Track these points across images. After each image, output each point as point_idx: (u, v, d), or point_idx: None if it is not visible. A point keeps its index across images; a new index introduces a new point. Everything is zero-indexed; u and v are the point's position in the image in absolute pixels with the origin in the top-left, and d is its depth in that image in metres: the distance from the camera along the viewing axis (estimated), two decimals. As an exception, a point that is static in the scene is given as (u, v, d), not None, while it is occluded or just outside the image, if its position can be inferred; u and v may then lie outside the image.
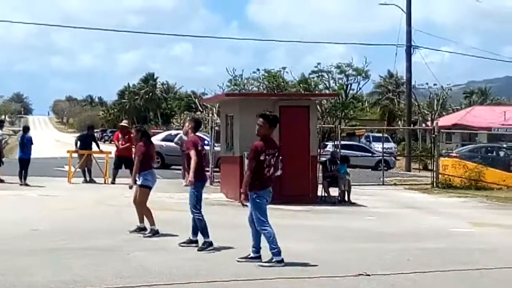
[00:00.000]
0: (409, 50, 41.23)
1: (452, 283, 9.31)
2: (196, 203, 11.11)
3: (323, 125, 42.88)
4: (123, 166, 22.94)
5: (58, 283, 8.45)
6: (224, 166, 21.71)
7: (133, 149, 12.85)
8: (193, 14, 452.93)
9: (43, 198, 18.93)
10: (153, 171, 12.74)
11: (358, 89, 61.15)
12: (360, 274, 9.27)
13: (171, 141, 31.80)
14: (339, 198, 20.40)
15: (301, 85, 57.95)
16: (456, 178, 26.51)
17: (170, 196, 18.55)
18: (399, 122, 63.79)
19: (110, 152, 24.98)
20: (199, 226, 11.09)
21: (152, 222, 12.36)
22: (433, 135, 28.06)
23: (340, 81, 59.81)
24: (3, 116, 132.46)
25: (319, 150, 24.59)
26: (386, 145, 42.53)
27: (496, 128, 49.10)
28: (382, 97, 76.53)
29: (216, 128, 26.42)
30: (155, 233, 12.22)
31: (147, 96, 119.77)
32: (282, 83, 55.85)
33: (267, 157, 9.73)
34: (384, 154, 35.46)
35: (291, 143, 18.76)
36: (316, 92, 53.08)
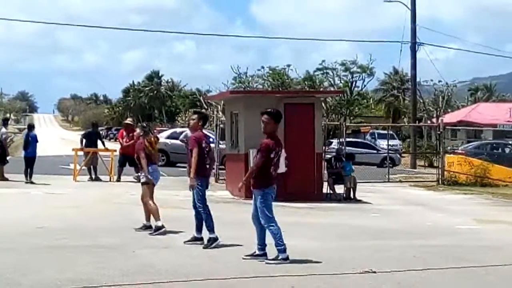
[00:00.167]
0: (414, 47, 41.16)
1: (457, 280, 9.30)
2: (202, 199, 11.10)
3: (328, 122, 42.88)
4: (127, 164, 22.96)
5: (63, 280, 8.46)
6: (229, 163, 21.72)
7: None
8: (197, 12, 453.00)
9: (49, 196, 18.96)
10: (156, 167, 12.73)
11: (363, 86, 61.25)
12: (366, 271, 9.27)
13: (176, 138, 31.87)
14: (344, 195, 20.39)
15: (306, 82, 58.03)
16: (462, 175, 26.47)
17: (175, 193, 18.57)
18: (404, 119, 63.71)
19: (115, 150, 25.01)
20: (206, 221, 11.08)
21: (157, 218, 12.31)
22: (439, 132, 28.01)
23: (345, 78, 59.88)
24: (8, 115, 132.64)
25: (324, 148, 24.55)
26: (391, 142, 42.42)
27: (502, 124, 49.02)
28: (387, 94, 76.43)
29: (221, 125, 26.44)
30: (160, 228, 12.18)
31: (151, 94, 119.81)
32: (286, 81, 55.92)
33: (276, 155, 9.76)
34: (389, 151, 35.39)
35: (296, 140, 18.76)
36: (321, 89, 53.14)
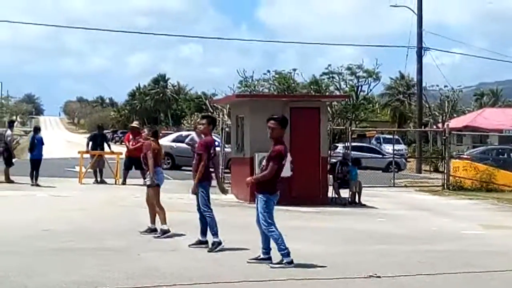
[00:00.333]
0: (420, 52, 41.15)
1: (462, 286, 9.29)
2: (207, 203, 11.13)
3: (334, 127, 42.88)
4: (133, 167, 22.98)
5: (69, 283, 8.48)
6: (235, 167, 21.72)
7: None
8: (203, 16, 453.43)
9: (54, 198, 18.99)
10: (160, 169, 12.76)
11: (369, 90, 61.20)
12: (370, 276, 9.26)
13: (182, 142, 31.81)
14: (349, 199, 20.38)
15: (311, 86, 58.02)
16: (467, 180, 26.43)
17: (180, 197, 18.57)
18: (410, 124, 63.61)
19: (121, 153, 25.05)
20: (210, 225, 11.10)
21: (163, 221, 12.36)
22: (444, 137, 27.97)
23: (350, 82, 59.85)
24: (14, 117, 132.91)
25: (329, 152, 24.54)
26: (397, 146, 42.34)
27: (507, 130, 48.93)
28: (392, 98, 76.36)
29: (227, 129, 26.44)
30: (164, 232, 12.23)
31: (157, 97, 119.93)
32: (292, 85, 55.91)
33: (285, 161, 9.79)
34: (395, 156, 35.34)
35: (302, 144, 18.77)
36: (327, 93, 53.12)
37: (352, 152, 27.62)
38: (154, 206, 12.55)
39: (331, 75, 59.71)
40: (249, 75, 55.67)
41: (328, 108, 35.11)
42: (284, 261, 9.70)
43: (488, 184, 26.07)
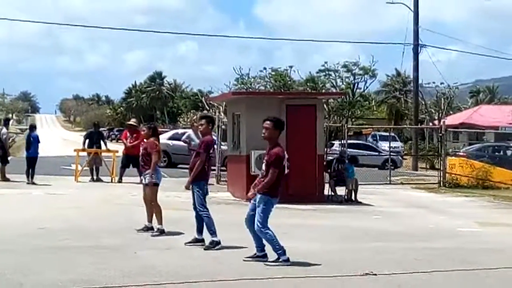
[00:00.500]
0: (416, 49, 41.17)
1: (458, 283, 9.30)
2: (203, 202, 11.14)
3: (330, 124, 42.88)
4: (131, 165, 22.94)
5: (65, 281, 8.47)
6: (231, 165, 21.71)
7: (141, 147, 12.86)
8: (199, 14, 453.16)
9: (50, 196, 18.97)
10: (157, 168, 12.75)
11: (365, 88, 61.20)
12: (367, 274, 9.26)
13: (178, 139, 31.80)
14: (345, 197, 20.39)
15: (308, 84, 58.00)
16: (463, 177, 26.45)
17: (177, 195, 18.56)
18: (406, 121, 63.70)
19: (117, 151, 25.02)
20: (208, 225, 11.11)
21: (160, 221, 12.38)
22: (440, 134, 27.99)
23: (347, 80, 59.83)
24: (10, 115, 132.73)
25: (325, 149, 24.55)
26: (393, 144, 42.43)
27: (504, 127, 48.94)
28: (389, 96, 76.41)
29: (223, 127, 26.43)
30: (161, 232, 12.26)
31: (153, 95, 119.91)
32: (289, 82, 55.88)
33: (285, 163, 9.78)
34: (391, 153, 35.38)
35: (298, 142, 18.76)
36: (323, 91, 53.11)
37: (348, 150, 27.62)
38: (152, 205, 12.54)
39: (327, 73, 59.66)
40: (245, 72, 55.68)
41: (325, 106, 35.15)
42: (281, 259, 9.70)
43: (484, 181, 26.10)
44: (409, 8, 41.64)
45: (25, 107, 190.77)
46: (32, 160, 22.48)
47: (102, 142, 24.99)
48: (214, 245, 10.95)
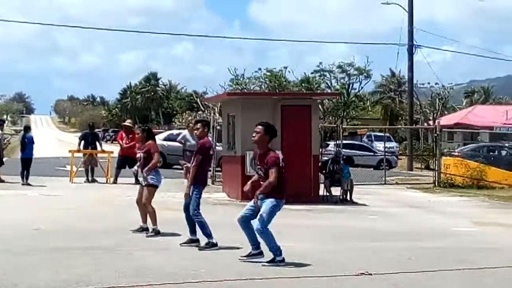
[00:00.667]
0: (411, 49, 41.23)
1: (454, 283, 9.30)
2: (198, 207, 11.13)
3: (325, 125, 42.89)
4: (127, 166, 22.90)
5: (60, 282, 8.46)
6: (226, 165, 21.71)
7: (140, 152, 12.81)
8: (195, 14, 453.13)
9: (45, 197, 18.94)
10: (159, 170, 12.76)
11: (360, 88, 61.25)
12: (362, 273, 9.26)
13: (173, 140, 31.77)
14: (341, 197, 20.41)
15: (303, 84, 58.03)
16: (458, 177, 26.49)
17: (172, 195, 18.54)
18: (401, 122, 63.80)
19: (112, 152, 24.99)
20: (202, 228, 11.08)
21: (154, 222, 12.38)
22: (435, 134, 28.04)
23: (342, 80, 59.87)
24: (4, 116, 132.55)
25: (320, 150, 24.55)
26: (388, 144, 42.51)
27: (498, 127, 49.10)
28: (384, 96, 76.51)
29: (218, 127, 26.42)
30: (157, 233, 12.26)
31: (148, 96, 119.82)
32: (284, 83, 55.90)
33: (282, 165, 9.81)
34: (386, 154, 35.43)
35: (293, 142, 18.77)
36: (318, 91, 53.14)
37: (344, 150, 27.64)
38: (146, 206, 12.52)
39: (322, 73, 59.72)
40: (240, 73, 55.69)
41: (319, 106, 35.14)
42: (276, 259, 9.70)
43: (479, 181, 26.15)
44: (404, 9, 41.74)
45: (19, 108, 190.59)
46: (26, 161, 22.44)
47: (97, 143, 24.94)
48: (210, 246, 10.94)
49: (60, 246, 11.06)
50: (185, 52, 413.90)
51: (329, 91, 56.46)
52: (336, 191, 20.51)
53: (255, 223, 9.69)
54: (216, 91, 51.59)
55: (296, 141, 19.07)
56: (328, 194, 20.46)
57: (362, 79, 59.84)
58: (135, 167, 13.09)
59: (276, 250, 9.68)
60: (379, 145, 45.79)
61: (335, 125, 41.12)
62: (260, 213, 9.65)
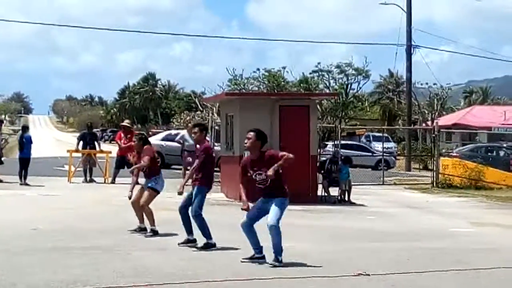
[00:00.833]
0: (409, 49, 41.23)
1: (451, 283, 9.31)
2: (200, 208, 11.11)
3: (324, 125, 42.88)
4: (125, 166, 22.88)
5: (58, 282, 8.46)
6: (224, 165, 21.70)
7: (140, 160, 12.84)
8: (193, 14, 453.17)
9: (43, 197, 18.93)
10: (162, 176, 12.78)
11: (358, 88, 61.21)
12: (360, 274, 9.27)
13: (172, 140, 31.81)
14: (339, 197, 20.41)
15: (301, 84, 57.96)
16: (456, 178, 26.50)
17: (170, 196, 18.50)
18: (399, 122, 63.77)
19: (110, 152, 24.99)
20: (202, 229, 11.07)
21: (152, 223, 12.39)
22: (433, 135, 28.06)
23: (340, 80, 59.82)
24: (3, 116, 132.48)
25: (319, 150, 24.57)
26: (386, 144, 42.50)
27: (496, 127, 49.08)
28: (382, 96, 76.51)
29: (216, 127, 26.45)
30: (155, 233, 12.27)
31: (147, 96, 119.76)
32: (282, 83, 55.84)
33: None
34: (384, 154, 35.44)
35: (291, 142, 18.75)
36: (316, 91, 53.09)
37: (342, 150, 27.66)
38: (142, 207, 12.52)
39: (320, 73, 59.64)
40: (238, 73, 55.64)
41: (318, 106, 35.15)
42: (280, 259, 9.74)
43: (477, 181, 26.17)
44: (402, 9, 41.71)
45: (18, 108, 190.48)
46: (25, 161, 22.43)
47: (96, 143, 24.94)
48: (209, 247, 10.95)
49: (58, 246, 11.06)
50: (184, 52, 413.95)
51: (327, 91, 56.39)
52: (334, 191, 20.52)
53: (271, 220, 9.67)
54: (214, 91, 51.47)
55: (294, 141, 19.06)
56: (326, 194, 20.46)
57: (360, 80, 59.78)
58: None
59: (280, 250, 9.72)
60: (377, 146, 45.84)
61: (333, 125, 41.10)
62: (273, 213, 9.69)
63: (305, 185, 19.40)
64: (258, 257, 9.95)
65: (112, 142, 35.48)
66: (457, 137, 47.90)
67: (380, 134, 48.56)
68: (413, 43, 41.39)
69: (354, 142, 46.21)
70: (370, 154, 40.90)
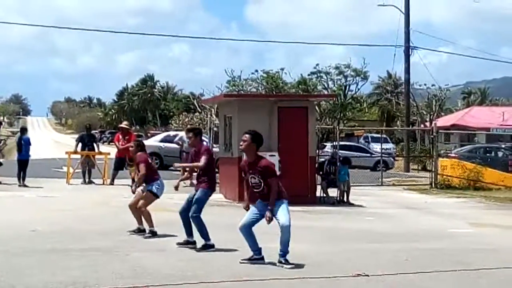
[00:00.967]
0: (408, 51, 41.27)
1: (450, 284, 9.31)
2: (200, 210, 11.10)
3: (322, 126, 42.91)
4: (123, 168, 22.89)
5: (56, 283, 8.45)
6: (223, 167, 21.69)
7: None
8: (191, 16, 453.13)
9: (42, 199, 18.92)
10: (163, 181, 12.78)
11: (357, 90, 61.32)
12: (359, 275, 9.27)
13: (170, 142, 31.82)
14: (337, 198, 20.41)
15: (300, 86, 58.05)
16: (455, 179, 26.51)
17: (169, 197, 18.49)
18: (398, 123, 63.81)
19: (109, 153, 24.98)
20: (201, 230, 11.07)
21: (150, 224, 12.39)
22: (432, 136, 28.07)
23: (338, 82, 59.92)
24: (1, 117, 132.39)
25: (317, 151, 24.56)
26: (385, 145, 42.49)
27: (495, 128, 49.15)
28: (380, 98, 76.56)
29: (215, 129, 26.46)
30: (154, 234, 12.27)
31: (145, 97, 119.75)
32: (280, 84, 55.92)
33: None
34: (383, 155, 35.46)
35: (290, 144, 18.79)
36: (315, 93, 53.15)
37: (340, 151, 27.66)
38: (140, 209, 12.52)
39: (319, 75, 59.77)
40: (237, 74, 55.71)
41: (316, 108, 35.15)
42: (282, 260, 9.76)
43: (476, 182, 26.18)
44: (400, 11, 41.75)
45: (16, 109, 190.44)
46: (23, 163, 22.43)
47: (94, 145, 24.94)
48: (208, 248, 10.95)
49: (57, 248, 11.05)
50: (182, 53, 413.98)
51: (326, 92, 56.48)
52: (333, 192, 20.52)
53: (283, 222, 9.76)
54: (213, 93, 51.60)
55: (293, 143, 19.09)
56: (325, 195, 20.46)
57: (359, 81, 59.97)
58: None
59: (288, 247, 9.81)
60: (376, 147, 45.79)
61: (332, 127, 41.13)
62: (282, 214, 9.85)
63: (304, 186, 19.41)
64: (257, 258, 9.96)
65: (111, 143, 35.49)
66: (456, 138, 47.94)
67: (379, 135, 48.51)
68: (411, 44, 41.46)
69: (353, 143, 46.22)
70: (368, 155, 40.92)
